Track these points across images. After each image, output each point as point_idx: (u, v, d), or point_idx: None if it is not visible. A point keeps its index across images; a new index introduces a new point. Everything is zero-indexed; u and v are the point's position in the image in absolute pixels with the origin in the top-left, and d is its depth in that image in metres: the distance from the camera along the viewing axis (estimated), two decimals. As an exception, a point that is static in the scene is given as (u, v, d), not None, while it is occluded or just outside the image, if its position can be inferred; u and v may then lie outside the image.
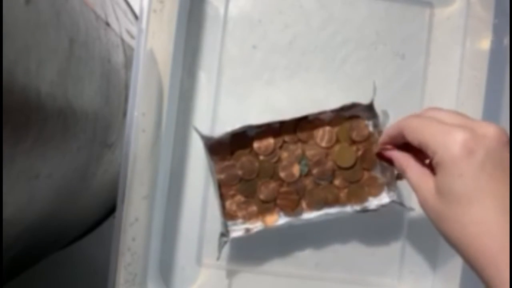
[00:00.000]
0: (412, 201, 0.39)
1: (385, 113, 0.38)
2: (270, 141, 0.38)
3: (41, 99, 0.23)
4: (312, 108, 0.37)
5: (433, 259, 0.41)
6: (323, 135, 0.38)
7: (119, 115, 0.38)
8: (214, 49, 0.40)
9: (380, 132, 0.37)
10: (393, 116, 0.41)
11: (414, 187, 0.28)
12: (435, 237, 0.40)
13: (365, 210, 0.38)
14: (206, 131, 0.40)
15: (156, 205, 0.38)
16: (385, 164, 0.36)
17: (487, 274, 0.24)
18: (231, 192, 0.38)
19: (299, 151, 0.38)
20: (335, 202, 0.38)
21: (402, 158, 0.31)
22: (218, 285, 0.40)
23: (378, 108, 0.37)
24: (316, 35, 0.41)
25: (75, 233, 0.47)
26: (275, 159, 0.38)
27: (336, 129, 0.38)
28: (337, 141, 0.38)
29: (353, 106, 0.37)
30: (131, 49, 0.40)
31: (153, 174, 0.37)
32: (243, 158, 0.38)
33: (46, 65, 0.23)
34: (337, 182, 0.38)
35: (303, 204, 0.38)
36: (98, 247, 0.49)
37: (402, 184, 0.37)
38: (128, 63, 0.39)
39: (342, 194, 0.38)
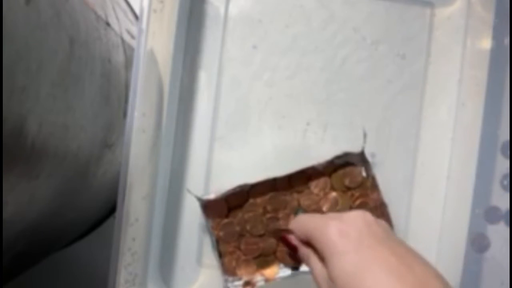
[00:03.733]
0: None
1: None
2: (266, 196, 0.38)
3: (41, 99, 0.23)
4: (312, 108, 0.37)
5: (433, 263, 0.41)
6: (317, 184, 0.38)
7: (119, 115, 0.38)
8: (214, 49, 0.40)
9: (373, 178, 0.38)
10: (393, 116, 0.41)
11: (315, 279, 0.30)
12: (436, 237, 0.40)
13: None
14: (206, 131, 0.40)
15: (156, 205, 0.38)
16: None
17: None
18: (230, 249, 0.38)
19: (294, 203, 0.38)
20: None
21: (305, 249, 0.32)
22: (218, 285, 0.40)
23: (377, 108, 0.37)
24: (316, 35, 0.41)
25: (75, 233, 0.47)
26: (271, 213, 0.38)
27: (330, 177, 0.38)
28: (332, 189, 0.38)
29: (345, 155, 0.38)
30: (131, 49, 0.40)
31: (153, 174, 0.37)
32: (240, 215, 0.38)
33: (46, 65, 0.23)
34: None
35: None
36: (98, 247, 0.49)
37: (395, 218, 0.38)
38: (128, 63, 0.39)
39: None
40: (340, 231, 0.28)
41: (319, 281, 0.29)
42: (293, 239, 0.34)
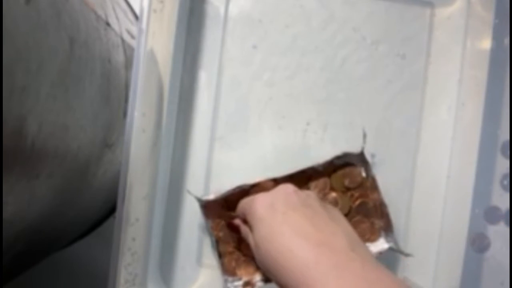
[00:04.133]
0: (409, 246, 0.40)
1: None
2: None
3: (41, 99, 0.23)
4: (312, 108, 0.37)
5: (433, 263, 0.41)
6: (317, 185, 0.38)
7: (119, 115, 0.38)
8: (214, 49, 0.40)
9: (373, 179, 0.38)
10: (393, 116, 0.41)
11: (251, 250, 0.33)
12: (436, 237, 0.40)
13: None
14: (206, 131, 0.40)
15: (156, 205, 0.38)
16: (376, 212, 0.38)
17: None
18: (230, 249, 0.38)
19: None
20: None
21: (244, 227, 0.36)
22: (218, 285, 0.40)
23: (377, 108, 0.37)
24: (316, 35, 0.41)
25: (75, 233, 0.47)
26: None
27: (329, 177, 0.38)
28: (331, 189, 0.38)
29: (345, 155, 0.38)
30: (131, 49, 0.40)
31: (153, 174, 0.37)
32: None
33: (46, 65, 0.23)
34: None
35: None
36: (98, 247, 0.49)
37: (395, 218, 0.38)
38: (128, 63, 0.39)
39: None
40: (262, 202, 0.32)
41: (252, 252, 0.32)
42: (236, 222, 0.37)
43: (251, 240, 0.33)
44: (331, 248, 0.28)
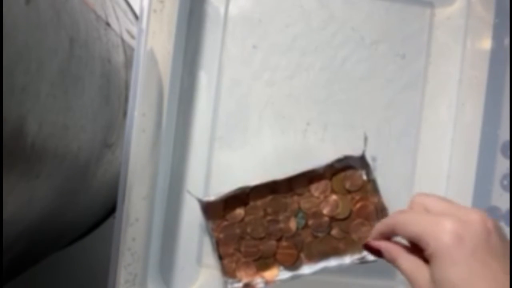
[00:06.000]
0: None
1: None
2: (266, 198, 0.38)
3: (41, 99, 0.23)
4: (312, 108, 0.37)
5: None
6: (318, 187, 0.38)
7: (119, 115, 0.38)
8: (214, 49, 0.40)
9: (373, 182, 0.38)
10: (393, 116, 0.41)
11: (409, 277, 0.29)
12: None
13: (363, 262, 0.38)
14: (206, 131, 0.40)
15: (156, 205, 0.38)
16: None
17: None
18: (230, 251, 0.38)
19: (295, 205, 0.38)
20: (334, 253, 0.38)
21: (392, 248, 0.31)
22: (218, 285, 0.40)
23: (377, 108, 0.37)
24: (316, 35, 0.41)
25: (75, 233, 0.47)
26: (272, 216, 0.38)
27: (330, 180, 0.38)
28: (332, 192, 0.38)
29: (346, 158, 0.38)
30: (131, 49, 0.40)
31: (153, 174, 0.37)
32: (240, 217, 0.38)
33: (46, 65, 0.23)
34: (334, 232, 0.38)
35: (302, 257, 0.39)
36: (98, 247, 0.49)
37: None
38: (128, 63, 0.39)
39: (341, 244, 0.38)
40: (455, 235, 0.26)
41: (413, 280, 0.28)
42: (375, 244, 0.32)
43: (405, 262, 0.29)
44: None
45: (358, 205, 0.38)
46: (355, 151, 0.38)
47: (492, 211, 0.40)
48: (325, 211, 0.38)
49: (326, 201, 0.38)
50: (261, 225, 0.38)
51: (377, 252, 0.32)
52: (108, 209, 0.49)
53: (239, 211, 0.38)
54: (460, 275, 0.25)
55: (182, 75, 0.40)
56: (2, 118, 0.20)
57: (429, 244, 0.27)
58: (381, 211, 0.38)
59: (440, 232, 0.26)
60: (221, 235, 0.38)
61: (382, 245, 0.31)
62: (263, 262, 0.38)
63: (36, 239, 0.32)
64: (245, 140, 0.40)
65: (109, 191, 0.40)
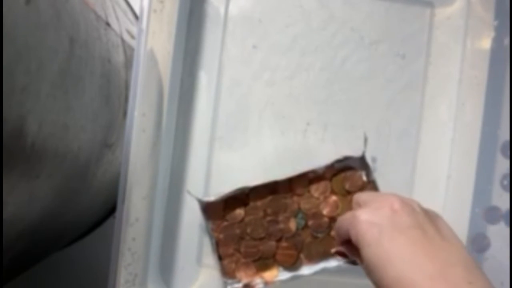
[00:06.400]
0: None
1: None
2: (266, 199, 0.38)
3: (41, 99, 0.23)
4: (312, 108, 0.37)
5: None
6: (317, 188, 0.38)
7: (119, 115, 0.38)
8: (214, 49, 0.40)
9: (373, 183, 0.38)
10: (393, 116, 0.41)
11: (365, 272, 0.31)
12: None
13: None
14: (206, 132, 0.40)
15: (156, 205, 0.38)
16: None
17: None
18: (230, 251, 0.38)
19: (295, 206, 0.38)
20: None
21: (351, 250, 0.33)
22: (218, 285, 0.40)
23: (377, 108, 0.37)
24: (316, 35, 0.41)
25: (75, 233, 0.47)
26: (271, 216, 0.38)
27: (330, 181, 0.38)
28: (332, 192, 0.39)
29: (346, 159, 0.38)
30: (131, 49, 0.40)
31: (153, 174, 0.37)
32: (240, 217, 0.38)
33: (46, 65, 0.23)
34: (334, 233, 0.38)
35: (302, 258, 0.39)
36: (98, 247, 0.49)
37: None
38: (128, 63, 0.39)
39: None
40: (366, 222, 0.29)
41: (367, 273, 0.30)
42: (341, 250, 0.34)
43: (360, 262, 0.30)
44: (447, 281, 0.26)
45: None
46: (355, 152, 0.38)
47: (492, 211, 0.40)
48: (325, 211, 0.38)
49: (326, 201, 0.38)
50: (261, 225, 0.38)
51: (344, 255, 0.34)
52: (108, 209, 0.49)
53: (239, 212, 0.38)
54: (374, 253, 0.28)
55: (182, 75, 0.40)
56: (2, 118, 0.20)
57: (352, 235, 0.30)
58: None
59: (357, 223, 0.29)
60: (221, 236, 0.38)
61: (343, 249, 0.33)
62: (262, 262, 0.38)
63: (36, 239, 0.32)
64: (245, 140, 0.40)
65: (109, 191, 0.40)
